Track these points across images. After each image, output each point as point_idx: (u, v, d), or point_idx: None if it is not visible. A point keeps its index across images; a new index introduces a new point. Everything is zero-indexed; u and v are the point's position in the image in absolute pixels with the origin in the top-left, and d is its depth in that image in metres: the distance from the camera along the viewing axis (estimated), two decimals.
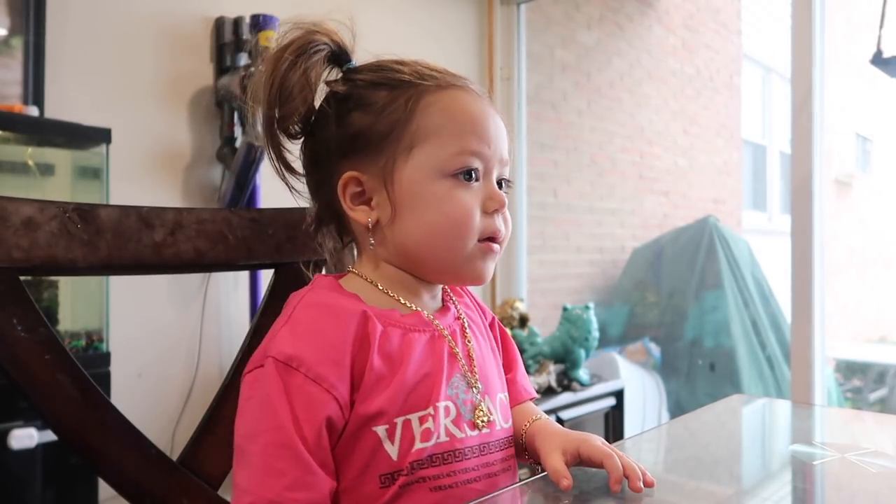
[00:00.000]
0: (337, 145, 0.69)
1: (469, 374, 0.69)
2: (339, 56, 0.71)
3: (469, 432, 0.67)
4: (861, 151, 5.78)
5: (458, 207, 0.66)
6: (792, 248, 2.10)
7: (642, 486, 0.59)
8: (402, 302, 0.69)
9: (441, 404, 0.65)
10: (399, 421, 0.63)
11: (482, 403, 0.69)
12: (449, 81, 0.70)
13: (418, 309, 0.70)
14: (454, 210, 0.66)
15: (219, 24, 2.07)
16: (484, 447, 0.68)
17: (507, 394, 0.75)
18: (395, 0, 2.55)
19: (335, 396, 0.61)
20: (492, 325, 0.80)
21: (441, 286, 0.74)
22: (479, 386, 0.69)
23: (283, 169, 0.71)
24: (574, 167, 3.69)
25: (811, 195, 2.06)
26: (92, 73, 1.86)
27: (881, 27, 3.11)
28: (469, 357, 0.70)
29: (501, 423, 0.71)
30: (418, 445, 0.63)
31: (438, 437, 0.64)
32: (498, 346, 0.79)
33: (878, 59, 3.14)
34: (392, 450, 0.63)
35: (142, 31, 1.95)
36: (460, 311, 0.74)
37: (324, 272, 0.85)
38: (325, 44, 0.69)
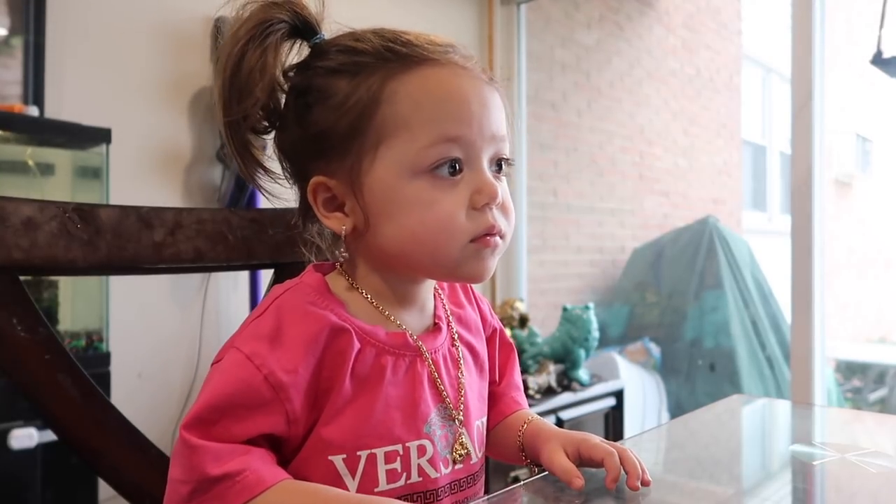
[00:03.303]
0: (301, 146, 0.62)
1: (452, 406, 0.64)
2: (302, 31, 0.62)
3: (444, 470, 0.62)
4: (861, 151, 5.78)
5: (437, 212, 0.58)
6: (792, 248, 2.10)
7: (639, 484, 0.59)
8: (390, 317, 0.63)
9: (414, 443, 0.61)
10: (363, 455, 0.58)
11: (461, 437, 0.64)
12: (421, 55, 0.59)
13: (405, 328, 0.63)
14: (432, 216, 0.58)
15: (219, 24, 2.07)
16: (455, 485, 0.64)
17: (485, 419, 0.70)
18: (394, 0, 2.55)
19: (287, 409, 0.55)
20: (491, 338, 0.74)
21: (432, 299, 0.68)
22: (461, 418, 0.65)
23: (254, 170, 0.63)
24: (574, 167, 3.69)
25: (811, 195, 2.06)
26: (92, 73, 1.86)
27: (881, 27, 3.11)
28: (456, 388, 0.65)
29: (476, 454, 0.67)
30: (383, 487, 0.59)
31: (410, 478, 0.60)
32: (493, 358, 0.74)
33: (878, 60, 3.14)
34: (352, 485, 0.58)
35: (142, 31, 1.96)
36: (455, 333, 0.68)
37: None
38: (283, 20, 0.60)
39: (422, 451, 0.61)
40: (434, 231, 0.58)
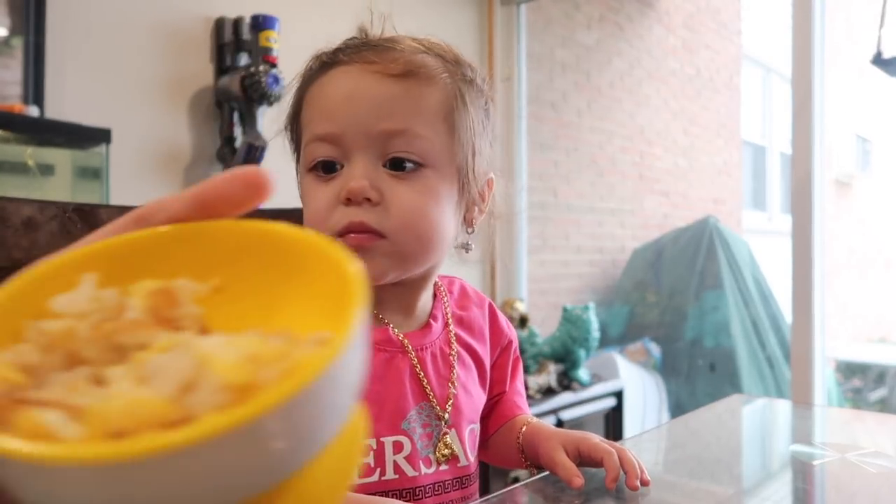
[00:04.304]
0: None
1: (438, 405, 0.63)
2: None
3: (425, 469, 0.62)
4: (861, 151, 5.78)
5: (310, 207, 0.61)
6: (792, 248, 2.10)
7: (639, 484, 0.59)
8: (375, 313, 0.64)
9: (389, 439, 0.60)
10: None
11: (446, 437, 0.63)
12: (335, 60, 0.62)
13: (388, 323, 0.64)
14: (308, 210, 0.62)
15: (219, 24, 2.07)
16: (439, 486, 0.63)
17: (479, 424, 0.70)
18: (394, 0, 2.55)
19: None
20: (507, 348, 0.75)
21: (428, 299, 0.68)
22: (447, 418, 0.64)
23: None
24: (574, 167, 3.69)
25: (811, 195, 2.06)
26: (92, 73, 1.86)
27: (881, 27, 3.11)
28: (446, 387, 0.65)
29: (465, 457, 0.65)
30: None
31: (384, 474, 0.60)
32: (505, 366, 0.74)
33: (878, 60, 3.14)
34: None
35: (142, 31, 1.95)
36: (452, 333, 0.68)
37: None
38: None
39: (398, 447, 0.61)
40: (309, 225, 0.61)
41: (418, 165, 0.60)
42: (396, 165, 0.59)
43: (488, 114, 0.67)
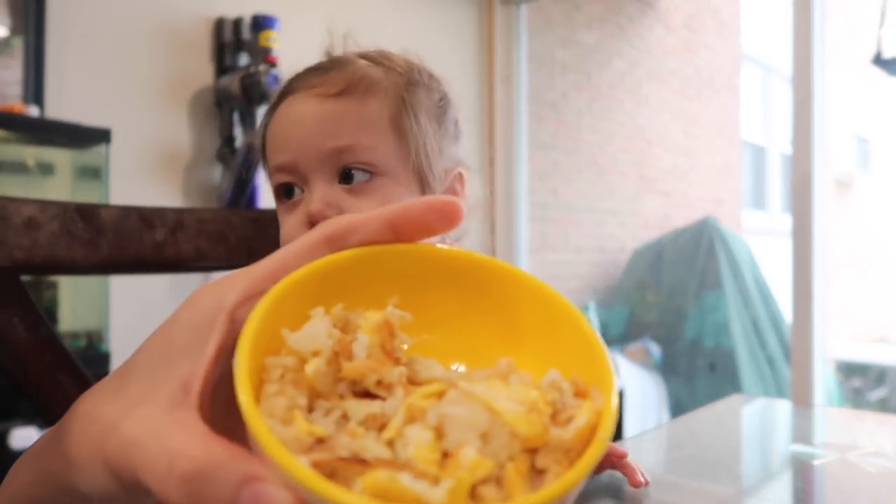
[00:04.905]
0: None
1: None
2: None
3: None
4: (861, 151, 5.78)
5: (283, 233, 0.63)
6: (792, 248, 2.10)
7: (642, 479, 0.59)
8: None
9: None
10: None
11: None
12: (287, 90, 0.64)
13: None
14: (282, 237, 0.63)
15: (219, 24, 2.07)
16: None
17: None
18: (394, 0, 2.55)
19: None
20: None
21: None
22: None
23: None
24: (574, 167, 3.69)
25: (811, 195, 2.07)
26: (92, 73, 1.86)
27: (881, 27, 3.11)
28: None
29: None
30: None
31: None
32: None
33: (878, 59, 3.14)
34: None
35: (142, 31, 1.96)
36: None
37: None
38: None
39: None
40: None
41: (372, 175, 0.61)
42: (351, 179, 0.60)
43: (444, 110, 0.67)
